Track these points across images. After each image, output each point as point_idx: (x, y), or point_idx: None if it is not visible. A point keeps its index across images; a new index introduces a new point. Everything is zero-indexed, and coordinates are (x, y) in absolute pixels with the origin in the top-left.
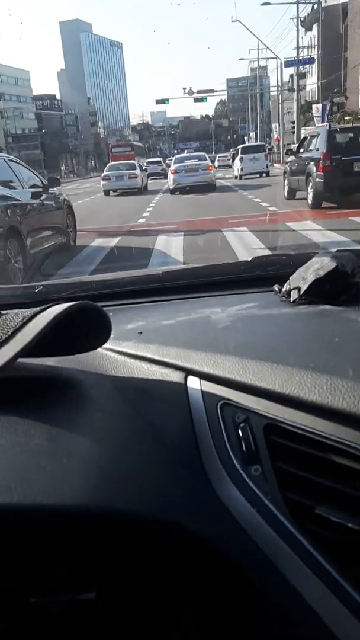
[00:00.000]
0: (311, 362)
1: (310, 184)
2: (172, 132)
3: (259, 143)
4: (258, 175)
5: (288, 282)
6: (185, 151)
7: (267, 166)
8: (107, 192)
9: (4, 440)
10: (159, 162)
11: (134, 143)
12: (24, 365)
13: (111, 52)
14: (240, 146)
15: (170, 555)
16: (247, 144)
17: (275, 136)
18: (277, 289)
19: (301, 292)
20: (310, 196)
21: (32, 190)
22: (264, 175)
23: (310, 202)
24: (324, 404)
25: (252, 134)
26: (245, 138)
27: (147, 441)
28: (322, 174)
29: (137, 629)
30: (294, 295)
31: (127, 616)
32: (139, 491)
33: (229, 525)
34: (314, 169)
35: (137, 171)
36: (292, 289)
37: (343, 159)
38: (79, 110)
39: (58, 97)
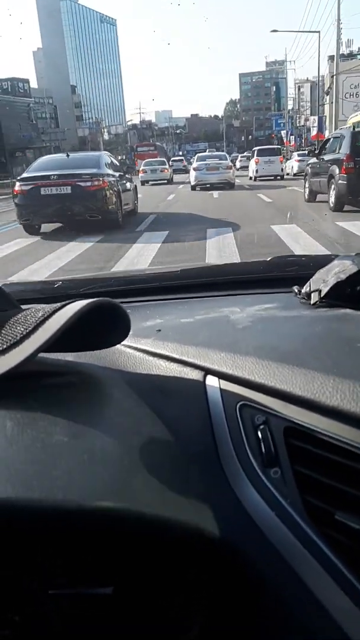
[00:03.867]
0: (333, 366)
1: (333, 186)
2: (178, 131)
3: (274, 146)
4: (272, 178)
5: (308, 283)
6: (207, 150)
7: (281, 169)
8: (143, 183)
9: (25, 435)
10: (181, 160)
11: (157, 143)
12: (43, 360)
13: (102, 30)
14: (255, 148)
15: (188, 556)
16: (268, 146)
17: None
18: (296, 291)
19: (322, 295)
20: (332, 198)
21: (119, 174)
22: (279, 178)
23: (332, 204)
24: (346, 410)
25: (313, 124)
26: (283, 133)
27: (166, 440)
28: (345, 175)
29: (151, 627)
30: (315, 297)
31: (142, 614)
32: (159, 491)
33: (247, 527)
34: (337, 170)
35: (167, 166)
36: (312, 291)
37: None
38: (58, 99)
39: (34, 83)
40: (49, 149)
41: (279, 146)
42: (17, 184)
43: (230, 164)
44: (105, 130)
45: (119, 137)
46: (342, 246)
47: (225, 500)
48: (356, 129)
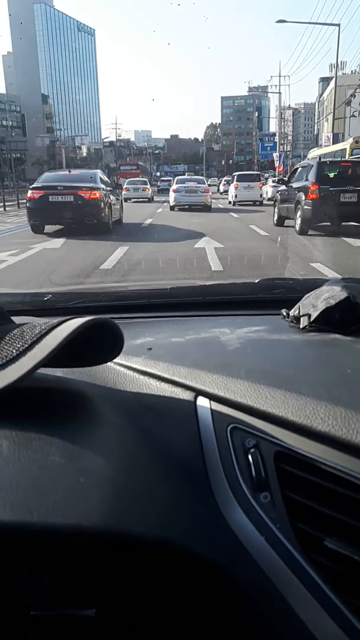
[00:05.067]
0: (325, 392)
1: (299, 212)
2: (157, 152)
3: (254, 172)
4: (252, 203)
5: (297, 307)
6: (186, 173)
7: (260, 195)
8: (125, 200)
9: (21, 455)
10: (169, 181)
11: (139, 163)
12: (34, 375)
13: (79, 39)
14: (235, 173)
15: (176, 578)
16: (246, 172)
17: None
18: (285, 314)
19: (311, 320)
20: (298, 222)
21: (110, 189)
22: (257, 204)
23: (297, 228)
24: (338, 436)
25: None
26: (275, 156)
27: (157, 461)
28: (310, 201)
29: None
30: (304, 322)
31: (127, 635)
32: (149, 513)
33: (236, 551)
34: (304, 197)
35: (148, 186)
36: (301, 316)
37: (331, 189)
38: (28, 108)
39: (2, 88)
40: (7, 159)
41: (259, 172)
42: (30, 191)
43: (208, 187)
44: (83, 144)
45: (94, 154)
46: None
47: (214, 523)
48: (322, 160)
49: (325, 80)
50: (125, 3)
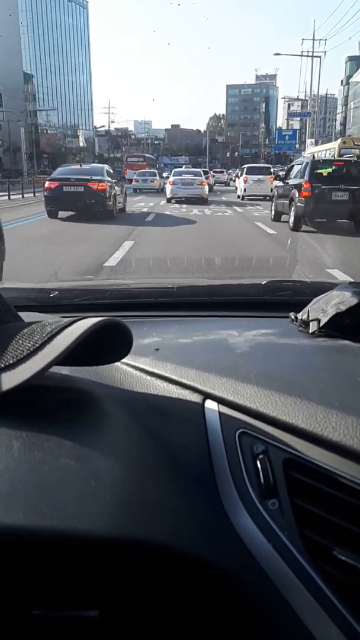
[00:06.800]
0: (336, 400)
1: (293, 208)
2: (156, 142)
3: (265, 165)
4: (262, 198)
5: (306, 311)
6: (184, 166)
7: (271, 190)
8: (135, 190)
9: (32, 456)
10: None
11: (146, 155)
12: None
13: (70, 12)
14: (245, 166)
15: (182, 583)
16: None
17: None
18: (293, 317)
19: (321, 325)
20: (291, 219)
21: (115, 181)
22: (268, 198)
23: (291, 224)
24: (349, 445)
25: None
26: (309, 142)
27: (165, 465)
28: (303, 199)
29: None
30: (313, 326)
31: (130, 638)
32: (157, 517)
33: (243, 557)
34: (297, 194)
35: (157, 177)
36: (311, 320)
37: (323, 187)
38: (7, 87)
39: None
40: None
41: (269, 165)
42: (47, 182)
43: (205, 180)
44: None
45: (86, 143)
46: None
47: (221, 528)
48: (315, 158)
49: (353, 60)
50: None
